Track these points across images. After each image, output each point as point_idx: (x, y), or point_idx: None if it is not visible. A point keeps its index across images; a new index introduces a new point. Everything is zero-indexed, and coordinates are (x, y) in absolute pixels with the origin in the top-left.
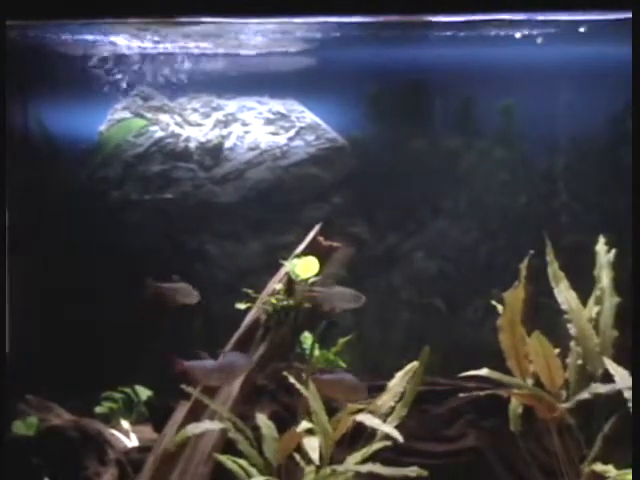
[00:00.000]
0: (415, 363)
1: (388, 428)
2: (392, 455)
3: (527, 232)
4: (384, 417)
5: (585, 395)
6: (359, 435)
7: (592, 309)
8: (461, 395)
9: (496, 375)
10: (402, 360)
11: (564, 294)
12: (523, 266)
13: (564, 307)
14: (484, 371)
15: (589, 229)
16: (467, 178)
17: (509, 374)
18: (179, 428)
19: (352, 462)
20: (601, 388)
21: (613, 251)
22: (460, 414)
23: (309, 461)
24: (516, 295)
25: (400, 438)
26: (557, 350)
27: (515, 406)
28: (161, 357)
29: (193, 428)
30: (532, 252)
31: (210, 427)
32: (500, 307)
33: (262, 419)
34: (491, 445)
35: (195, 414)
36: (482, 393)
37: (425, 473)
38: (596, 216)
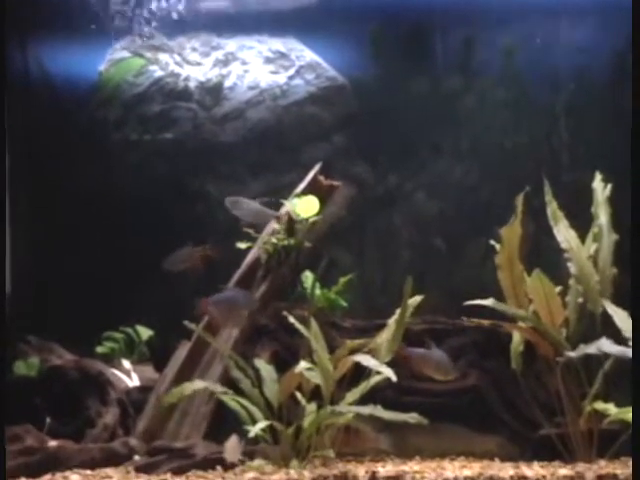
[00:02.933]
0: (416, 298)
1: (383, 368)
2: (393, 394)
3: (528, 171)
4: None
5: (592, 350)
6: (360, 374)
7: (590, 246)
8: (464, 320)
9: (502, 306)
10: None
11: (563, 233)
12: (519, 201)
13: (564, 246)
14: (490, 301)
15: (588, 167)
16: (468, 118)
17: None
18: (181, 367)
19: (351, 399)
20: (611, 347)
21: (609, 187)
22: (461, 354)
23: (310, 399)
24: (513, 231)
25: (394, 377)
26: (558, 288)
27: (517, 344)
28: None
29: (188, 387)
30: (528, 188)
31: (203, 386)
32: (498, 245)
33: (260, 363)
34: (492, 384)
35: (197, 353)
36: (485, 323)
37: (425, 421)
38: (594, 154)
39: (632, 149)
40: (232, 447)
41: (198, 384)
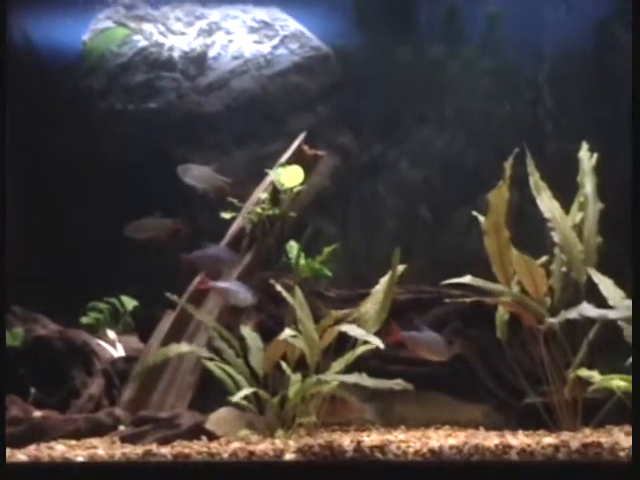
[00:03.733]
0: (399, 267)
1: (370, 337)
2: (378, 363)
3: (512, 140)
4: (369, 323)
5: (573, 315)
6: (345, 343)
7: (576, 215)
8: (446, 300)
9: (479, 282)
10: (387, 269)
11: (546, 203)
12: (508, 164)
13: (547, 216)
14: (467, 278)
15: (573, 136)
16: (453, 87)
17: (495, 281)
18: (165, 338)
19: (337, 369)
20: (591, 311)
21: (595, 156)
22: (446, 322)
23: (295, 370)
24: (500, 195)
25: (381, 345)
26: (544, 258)
27: (501, 313)
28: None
29: (173, 349)
30: (517, 150)
31: (189, 349)
32: (482, 218)
33: (246, 330)
34: (477, 353)
35: (181, 324)
36: (468, 300)
37: (411, 387)
38: (580, 123)
39: (633, 147)
40: (221, 419)
41: (184, 347)
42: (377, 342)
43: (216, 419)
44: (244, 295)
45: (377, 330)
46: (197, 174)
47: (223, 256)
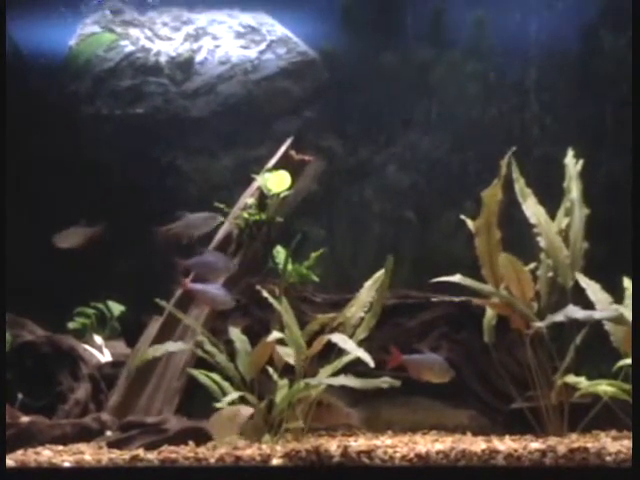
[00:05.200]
0: (382, 272)
1: (360, 352)
2: (364, 368)
3: (499, 145)
4: (354, 328)
5: (560, 318)
6: (332, 348)
7: (562, 221)
8: (434, 300)
9: (469, 282)
10: (368, 274)
11: (532, 209)
12: (503, 163)
13: (532, 221)
14: (457, 277)
15: (559, 141)
16: (439, 91)
17: (483, 283)
18: (153, 343)
19: (324, 376)
20: (577, 313)
21: (580, 162)
22: (433, 327)
23: (282, 375)
24: (494, 194)
25: (371, 363)
26: (533, 265)
27: (490, 317)
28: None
29: (155, 350)
30: (514, 148)
31: (174, 348)
32: (470, 221)
33: (235, 332)
34: (464, 357)
35: (168, 329)
36: (456, 299)
37: (398, 383)
38: (566, 128)
39: (633, 146)
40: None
41: (172, 345)
42: (367, 360)
43: (218, 419)
44: (223, 298)
45: (366, 336)
46: (65, 235)
47: (219, 263)
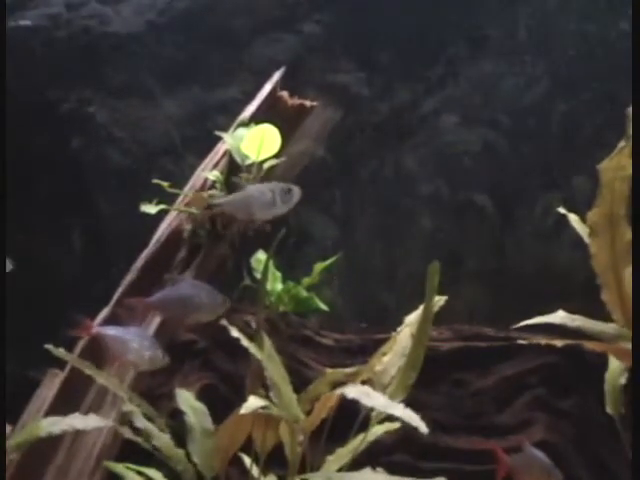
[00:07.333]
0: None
1: (399, 409)
2: (405, 457)
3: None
4: (389, 389)
5: None
6: (344, 419)
7: None
8: (521, 342)
9: (580, 322)
10: (413, 300)
11: None
12: (628, 117)
13: None
14: (559, 315)
15: None
16: None
17: (604, 313)
18: (47, 414)
19: (335, 466)
20: None
21: None
22: (520, 388)
23: (265, 469)
24: (619, 166)
25: (424, 428)
26: None
27: (615, 372)
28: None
29: (52, 424)
30: None
31: (83, 424)
32: (573, 216)
33: (186, 398)
34: (572, 437)
35: (71, 391)
36: (558, 343)
37: None
38: None
39: (633, 149)
40: None
41: (78, 420)
42: (415, 420)
43: None
44: (148, 352)
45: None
46: None
47: (202, 297)
